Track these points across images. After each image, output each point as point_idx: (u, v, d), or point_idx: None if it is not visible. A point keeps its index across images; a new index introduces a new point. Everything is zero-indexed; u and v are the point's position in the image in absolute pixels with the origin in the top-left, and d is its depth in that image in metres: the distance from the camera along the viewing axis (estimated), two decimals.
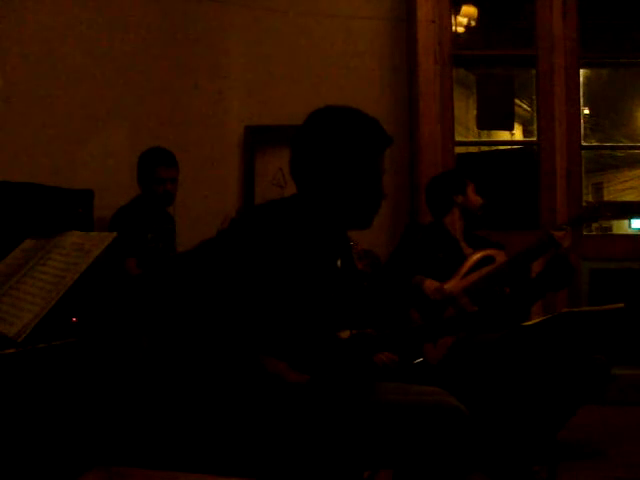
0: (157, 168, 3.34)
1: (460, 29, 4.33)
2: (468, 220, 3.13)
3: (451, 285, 2.88)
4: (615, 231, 7.62)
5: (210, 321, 1.62)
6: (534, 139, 4.27)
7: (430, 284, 2.89)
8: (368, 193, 1.78)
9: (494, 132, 5.05)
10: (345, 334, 1.82)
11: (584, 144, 4.24)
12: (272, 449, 1.64)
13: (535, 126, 4.25)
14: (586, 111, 4.67)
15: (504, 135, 4.91)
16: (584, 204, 2.95)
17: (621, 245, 4.02)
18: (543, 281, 2.98)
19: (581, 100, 4.21)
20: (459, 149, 4.31)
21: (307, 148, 1.76)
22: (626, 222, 7.64)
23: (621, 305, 2.28)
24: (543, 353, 2.61)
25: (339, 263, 1.84)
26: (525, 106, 5.65)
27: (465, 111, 5.63)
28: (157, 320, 1.67)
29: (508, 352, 2.66)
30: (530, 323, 2.34)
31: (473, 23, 4.36)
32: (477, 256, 2.98)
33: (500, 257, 2.96)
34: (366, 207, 1.80)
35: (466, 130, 5.56)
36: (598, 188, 9.96)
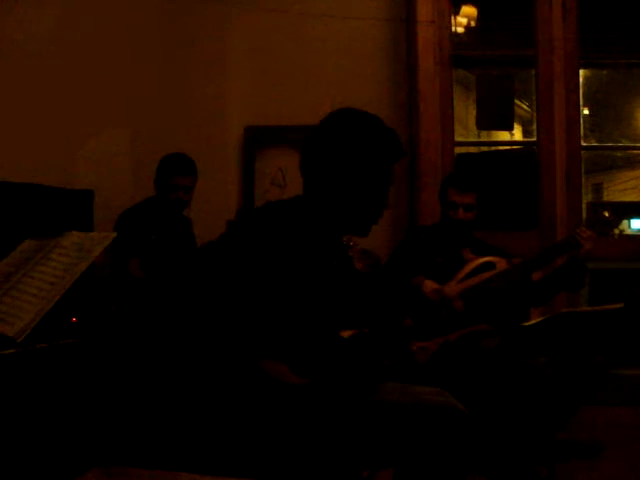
0: (173, 175, 3.35)
1: (460, 29, 4.33)
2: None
3: (448, 288, 2.88)
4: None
5: (210, 324, 1.62)
6: (534, 139, 4.26)
7: (429, 284, 2.89)
8: (371, 201, 1.79)
9: (494, 132, 5.05)
10: (346, 334, 1.82)
11: (584, 144, 4.24)
12: (272, 449, 1.64)
13: (535, 126, 4.24)
14: (586, 111, 4.67)
15: (504, 135, 4.90)
16: (606, 213, 2.91)
17: (621, 245, 4.01)
18: (559, 281, 2.96)
19: (581, 100, 4.21)
20: (459, 149, 4.31)
21: (320, 146, 1.77)
22: (626, 222, 7.63)
23: (621, 305, 2.28)
24: (543, 353, 2.61)
25: (335, 263, 1.85)
26: (525, 106, 5.65)
27: (465, 111, 5.63)
28: (158, 321, 1.67)
29: (507, 352, 2.66)
30: (530, 323, 2.35)
31: (473, 23, 4.36)
32: (477, 262, 2.98)
33: (501, 264, 2.95)
34: (367, 215, 1.81)
35: (466, 130, 5.56)
36: (598, 188, 9.94)
